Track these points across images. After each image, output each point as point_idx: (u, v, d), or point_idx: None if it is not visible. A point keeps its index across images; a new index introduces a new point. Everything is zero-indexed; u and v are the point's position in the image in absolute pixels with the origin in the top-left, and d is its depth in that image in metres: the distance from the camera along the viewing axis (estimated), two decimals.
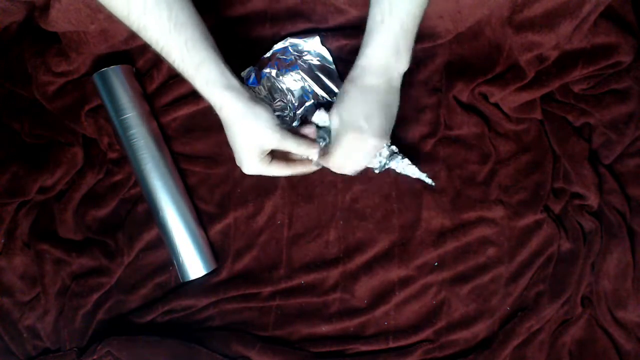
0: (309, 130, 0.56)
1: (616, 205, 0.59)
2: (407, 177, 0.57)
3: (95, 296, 0.61)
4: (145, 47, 0.62)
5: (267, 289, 0.60)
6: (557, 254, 0.60)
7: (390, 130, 0.53)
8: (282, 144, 0.51)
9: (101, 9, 0.52)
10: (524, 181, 0.61)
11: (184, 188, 0.61)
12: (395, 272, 0.59)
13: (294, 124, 0.60)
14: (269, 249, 0.61)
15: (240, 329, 0.60)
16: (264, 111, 0.50)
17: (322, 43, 0.61)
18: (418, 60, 0.61)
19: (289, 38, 0.61)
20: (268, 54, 0.61)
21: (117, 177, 0.63)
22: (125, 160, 0.62)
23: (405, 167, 0.55)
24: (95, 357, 0.57)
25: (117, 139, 0.61)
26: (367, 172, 0.60)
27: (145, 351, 0.57)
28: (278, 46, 0.61)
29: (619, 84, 0.58)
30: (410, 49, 0.49)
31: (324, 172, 0.59)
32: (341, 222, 0.60)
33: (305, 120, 0.60)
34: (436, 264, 0.59)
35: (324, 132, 0.56)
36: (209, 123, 0.62)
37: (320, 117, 0.56)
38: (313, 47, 0.61)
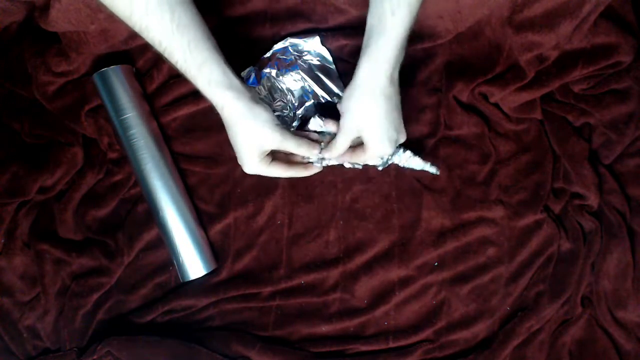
0: (312, 134, 0.56)
1: (616, 205, 0.59)
2: (411, 170, 0.57)
3: (95, 296, 0.61)
4: (145, 47, 0.62)
5: (267, 289, 0.60)
6: (557, 254, 0.60)
7: (399, 134, 0.52)
8: (283, 145, 0.52)
9: (101, 9, 0.53)
10: (524, 181, 0.61)
11: (184, 188, 0.61)
12: (395, 272, 0.59)
13: (294, 124, 0.60)
14: (269, 249, 0.61)
15: (240, 329, 0.60)
16: (265, 111, 0.50)
17: (322, 43, 0.61)
18: (418, 60, 0.61)
19: (289, 38, 0.61)
20: (268, 54, 0.61)
21: (117, 177, 0.63)
22: (125, 160, 0.62)
23: (407, 159, 0.55)
24: (95, 357, 0.57)
25: (117, 139, 0.61)
26: (367, 172, 0.60)
27: (145, 351, 0.57)
28: (278, 46, 0.61)
29: (619, 84, 0.58)
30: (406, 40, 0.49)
31: (324, 172, 0.59)
32: (341, 222, 0.60)
33: (305, 120, 0.60)
34: (436, 264, 0.59)
35: (326, 135, 0.56)
36: (209, 123, 0.62)
37: (316, 123, 0.56)
38: (313, 47, 0.61)
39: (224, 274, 0.61)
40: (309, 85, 0.61)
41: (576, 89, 0.60)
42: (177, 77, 0.62)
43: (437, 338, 0.59)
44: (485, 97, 0.61)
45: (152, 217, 0.60)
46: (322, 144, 0.56)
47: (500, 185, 0.60)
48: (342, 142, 0.53)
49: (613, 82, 0.58)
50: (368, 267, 0.59)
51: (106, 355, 0.57)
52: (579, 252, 0.59)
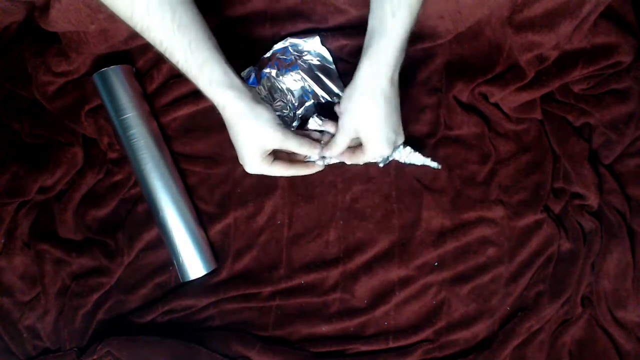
0: (314, 134, 0.56)
1: (616, 205, 0.59)
2: (412, 166, 0.57)
3: (95, 296, 0.61)
4: (145, 47, 0.62)
5: (267, 289, 0.60)
6: (557, 254, 0.60)
7: (398, 135, 0.53)
8: (285, 144, 0.52)
9: (101, 9, 0.53)
10: (524, 181, 0.61)
11: (184, 188, 0.61)
12: (395, 272, 0.59)
13: (294, 123, 0.60)
14: (269, 249, 0.61)
15: (240, 329, 0.60)
16: (267, 111, 0.50)
17: (322, 43, 0.61)
18: (418, 60, 0.61)
19: (289, 38, 0.61)
20: (268, 54, 0.61)
21: (117, 177, 0.63)
22: (125, 160, 0.62)
23: (408, 155, 0.56)
24: (95, 357, 0.57)
25: (117, 139, 0.61)
26: (367, 172, 0.60)
27: (145, 351, 0.57)
28: (278, 46, 0.61)
29: (619, 84, 0.58)
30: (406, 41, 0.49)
31: (324, 172, 0.59)
32: (341, 222, 0.60)
33: (305, 120, 0.60)
34: (436, 264, 0.59)
35: (326, 134, 0.56)
36: (209, 123, 0.62)
37: (315, 123, 0.57)
38: (313, 47, 0.61)
39: (224, 274, 0.61)
40: (309, 85, 0.61)
41: (576, 89, 0.60)
42: (177, 77, 0.62)
43: (437, 338, 0.59)
44: (485, 97, 0.61)
45: (152, 217, 0.60)
46: (322, 142, 0.56)
47: (500, 185, 0.60)
48: (341, 142, 0.53)
49: (613, 82, 0.58)
50: (368, 267, 0.59)
51: (106, 355, 0.57)
52: (579, 252, 0.59)
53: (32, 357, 0.61)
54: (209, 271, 0.59)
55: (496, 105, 0.61)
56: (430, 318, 0.59)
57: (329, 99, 0.61)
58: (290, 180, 0.61)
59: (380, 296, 0.59)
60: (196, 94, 0.60)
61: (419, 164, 0.56)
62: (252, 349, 0.57)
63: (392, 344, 0.59)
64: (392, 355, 0.58)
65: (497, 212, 0.60)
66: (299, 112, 0.61)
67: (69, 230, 0.63)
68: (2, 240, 0.62)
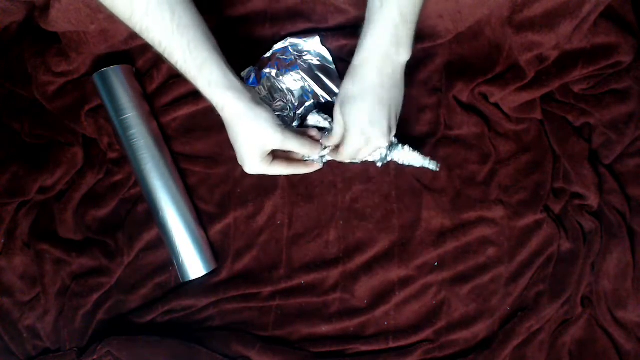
0: (313, 132, 0.56)
1: (616, 205, 0.59)
2: (410, 167, 0.57)
3: (95, 296, 0.61)
4: (145, 47, 0.62)
5: (267, 289, 0.60)
6: (557, 254, 0.60)
7: (395, 126, 0.53)
8: (285, 144, 0.52)
9: (101, 9, 0.52)
10: (524, 181, 0.61)
11: (184, 188, 0.61)
12: (395, 272, 0.59)
13: (294, 124, 0.60)
14: (269, 249, 0.61)
15: (240, 329, 0.60)
16: (266, 112, 0.50)
17: (322, 43, 0.61)
18: (418, 60, 0.61)
19: (289, 38, 0.61)
20: (268, 54, 0.61)
21: (117, 177, 0.63)
22: (125, 160, 0.62)
23: (407, 155, 0.55)
24: (95, 357, 0.57)
25: (117, 139, 0.61)
26: (367, 172, 0.60)
27: (145, 351, 0.57)
28: (278, 46, 0.61)
29: (619, 84, 0.58)
30: (411, 38, 0.48)
31: (324, 172, 0.59)
32: (341, 222, 0.60)
33: (305, 120, 0.60)
34: (436, 264, 0.59)
35: (327, 132, 0.56)
36: (209, 123, 0.62)
37: (315, 119, 0.56)
38: (313, 47, 0.61)
39: (224, 274, 0.61)
40: (309, 85, 0.61)
41: (576, 89, 0.60)
42: (177, 77, 0.62)
43: (437, 338, 0.59)
44: (485, 97, 0.61)
45: (152, 217, 0.60)
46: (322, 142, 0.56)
47: (500, 185, 0.60)
48: (336, 132, 0.54)
49: (613, 82, 0.58)
50: (368, 267, 0.59)
51: (106, 355, 0.57)
52: (579, 252, 0.59)
53: (32, 357, 0.61)
54: (209, 271, 0.59)
55: (496, 105, 0.61)
56: (430, 318, 0.59)
57: (329, 99, 0.61)
58: (290, 181, 0.61)
59: (380, 296, 0.59)
60: (196, 94, 0.60)
61: (418, 165, 0.56)
62: (252, 349, 0.57)
63: (392, 344, 0.59)
64: (392, 355, 0.58)
65: (497, 212, 0.60)
66: (299, 112, 0.61)
67: (69, 230, 0.63)
68: (2, 240, 0.62)
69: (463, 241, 0.59)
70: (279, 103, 0.61)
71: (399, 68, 0.49)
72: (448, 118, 0.61)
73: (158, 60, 0.62)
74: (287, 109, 0.61)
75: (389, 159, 0.56)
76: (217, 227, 0.61)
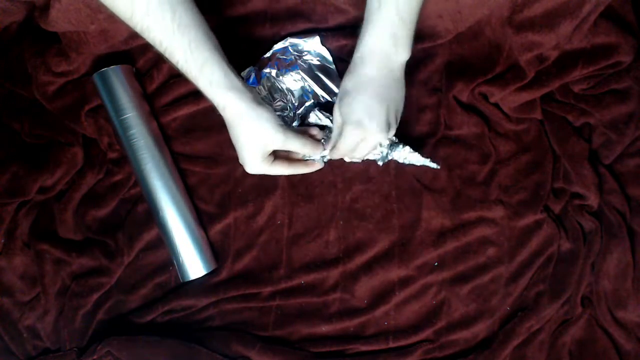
0: (314, 131, 0.56)
1: (616, 205, 0.59)
2: (411, 166, 0.57)
3: (95, 296, 0.61)
4: (145, 47, 0.62)
5: (267, 289, 0.60)
6: (557, 254, 0.60)
7: (396, 123, 0.52)
8: (286, 144, 0.52)
9: (101, 9, 0.53)
10: (524, 181, 0.61)
11: (184, 188, 0.61)
12: (395, 272, 0.59)
13: (294, 124, 0.60)
14: (269, 249, 0.61)
15: (240, 329, 0.60)
16: (268, 112, 0.50)
17: (322, 43, 0.61)
18: (418, 60, 0.61)
19: (289, 38, 0.61)
20: (268, 54, 0.61)
21: (117, 177, 0.63)
22: (125, 160, 0.62)
23: (407, 155, 0.56)
24: (95, 357, 0.57)
25: (117, 139, 0.61)
26: (367, 172, 0.60)
27: (145, 351, 0.57)
28: (278, 46, 0.61)
29: (619, 84, 0.58)
30: (410, 38, 0.48)
31: (324, 172, 0.59)
32: (341, 222, 0.60)
33: (305, 120, 0.60)
34: (436, 264, 0.59)
35: (328, 131, 0.56)
36: (209, 123, 0.62)
37: (315, 116, 0.57)
38: (313, 47, 0.61)
39: (224, 274, 0.61)
40: (309, 85, 0.61)
41: (576, 89, 0.60)
42: (177, 77, 0.62)
43: (437, 338, 0.59)
44: (485, 97, 0.61)
45: (152, 217, 0.60)
46: (324, 142, 0.56)
47: (500, 185, 0.60)
48: (337, 128, 0.53)
49: (613, 82, 0.58)
50: (368, 267, 0.59)
51: (106, 355, 0.57)
52: (579, 252, 0.59)
53: (32, 357, 0.61)
54: (209, 271, 0.59)
55: (496, 105, 0.61)
56: (430, 318, 0.59)
57: (329, 99, 0.61)
58: (290, 181, 0.61)
59: (380, 296, 0.59)
60: (196, 94, 0.60)
61: (419, 164, 0.56)
62: (252, 349, 0.57)
63: (392, 344, 0.59)
64: (392, 355, 0.58)
65: (497, 212, 0.60)
66: (299, 112, 0.61)
67: (69, 230, 0.63)
68: (2, 240, 0.62)
69: (463, 241, 0.59)
70: (279, 103, 0.61)
71: (398, 67, 0.49)
72: (448, 118, 0.61)
73: (158, 60, 0.62)
74: (287, 109, 0.61)
75: (389, 157, 0.56)
76: (217, 227, 0.61)
